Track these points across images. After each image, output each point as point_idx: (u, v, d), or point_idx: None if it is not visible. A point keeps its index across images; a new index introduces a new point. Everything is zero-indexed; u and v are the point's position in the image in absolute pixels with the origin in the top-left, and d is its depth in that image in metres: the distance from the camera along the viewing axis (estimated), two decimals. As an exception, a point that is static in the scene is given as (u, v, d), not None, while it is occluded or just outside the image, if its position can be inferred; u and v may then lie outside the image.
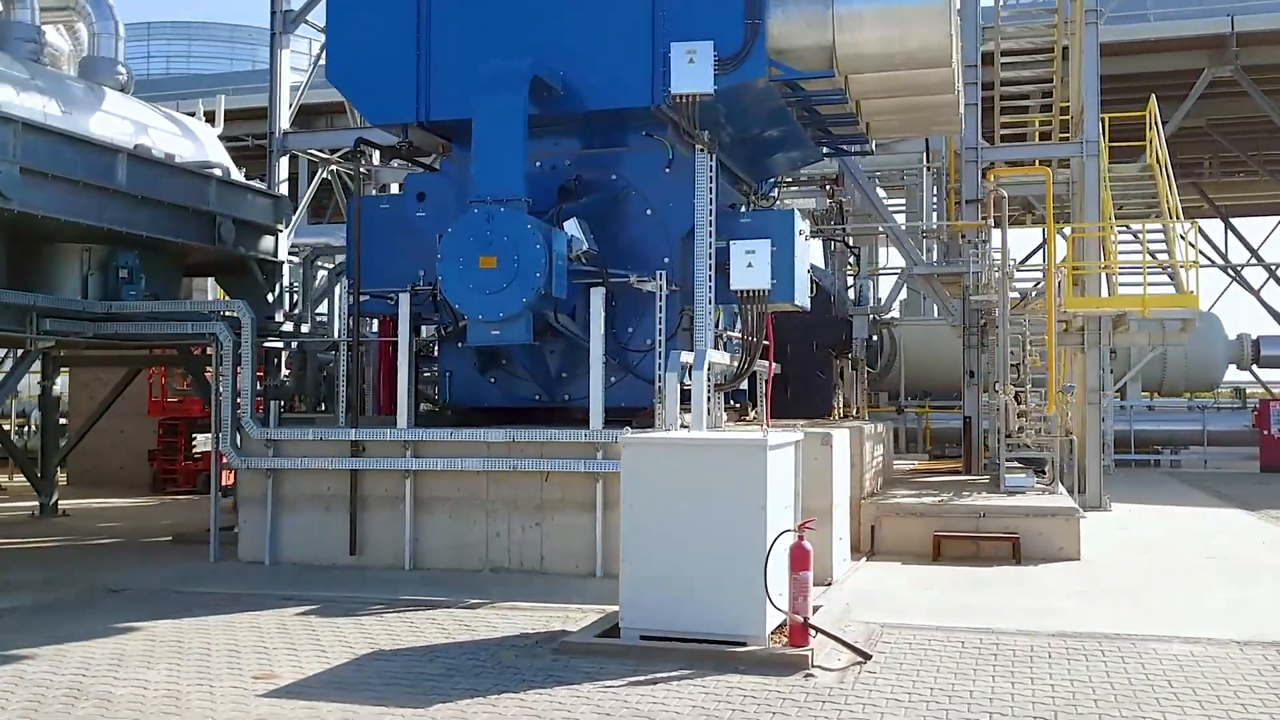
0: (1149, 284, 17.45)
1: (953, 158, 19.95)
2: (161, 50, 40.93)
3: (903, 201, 29.02)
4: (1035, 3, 21.16)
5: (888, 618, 9.65)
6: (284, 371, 14.50)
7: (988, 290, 17.25)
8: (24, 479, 19.04)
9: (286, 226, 16.75)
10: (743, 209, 14.14)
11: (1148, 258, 18.30)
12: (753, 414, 15.17)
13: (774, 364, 14.09)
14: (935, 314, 23.72)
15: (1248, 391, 38.09)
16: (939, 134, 19.72)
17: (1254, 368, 33.71)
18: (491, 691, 7.46)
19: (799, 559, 8.16)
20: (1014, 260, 21.96)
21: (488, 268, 11.55)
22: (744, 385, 13.94)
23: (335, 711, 7.07)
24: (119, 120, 15.09)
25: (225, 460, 13.16)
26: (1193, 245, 18.02)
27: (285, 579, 11.88)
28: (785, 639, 8.23)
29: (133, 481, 22.99)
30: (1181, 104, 26.50)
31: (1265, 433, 26.94)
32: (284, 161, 18.84)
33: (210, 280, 19.20)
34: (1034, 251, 36.77)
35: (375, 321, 15.08)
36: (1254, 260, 40.73)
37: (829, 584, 11.26)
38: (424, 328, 14.07)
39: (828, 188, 20.01)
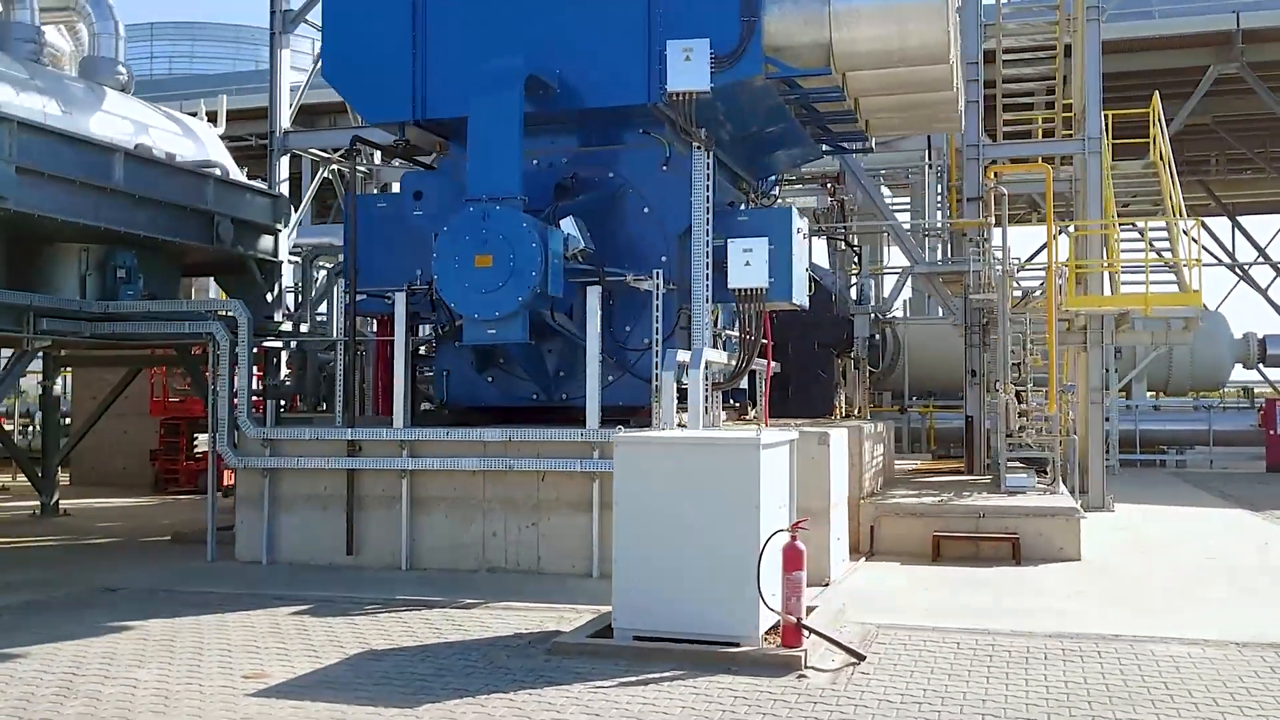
0: (1152, 282, 17.37)
1: (954, 155, 19.88)
2: (165, 50, 40.95)
3: (907, 199, 28.98)
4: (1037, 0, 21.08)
5: (884, 618, 9.59)
6: (284, 371, 14.49)
7: (988, 289, 17.18)
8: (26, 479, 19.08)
9: (286, 226, 16.74)
10: (742, 207, 14.10)
11: (1151, 255, 18.22)
12: (752, 413, 15.12)
13: (773, 363, 14.04)
14: (940, 313, 23.61)
15: (1255, 391, 37.98)
16: (940, 131, 19.68)
17: (1260, 367, 33.56)
18: (482, 692, 7.43)
19: (792, 559, 8.10)
20: (1017, 259, 21.82)
21: (483, 266, 11.54)
22: (743, 384, 13.89)
23: (324, 711, 7.05)
24: (119, 120, 15.09)
25: (224, 460, 13.16)
26: (1196, 242, 17.93)
27: (281, 579, 11.86)
28: (779, 640, 8.17)
29: (135, 481, 23.01)
30: (1187, 101, 26.38)
31: (1271, 432, 26.67)
32: (285, 161, 18.83)
33: (213, 280, 19.21)
34: (1039, 250, 36.67)
35: (374, 321, 15.06)
36: (1261, 259, 40.55)
37: (826, 584, 11.21)
38: (422, 327, 14.04)
39: (829, 186, 19.94)
